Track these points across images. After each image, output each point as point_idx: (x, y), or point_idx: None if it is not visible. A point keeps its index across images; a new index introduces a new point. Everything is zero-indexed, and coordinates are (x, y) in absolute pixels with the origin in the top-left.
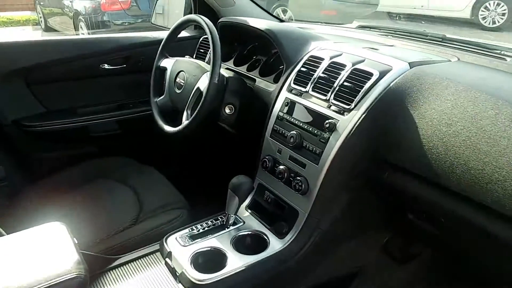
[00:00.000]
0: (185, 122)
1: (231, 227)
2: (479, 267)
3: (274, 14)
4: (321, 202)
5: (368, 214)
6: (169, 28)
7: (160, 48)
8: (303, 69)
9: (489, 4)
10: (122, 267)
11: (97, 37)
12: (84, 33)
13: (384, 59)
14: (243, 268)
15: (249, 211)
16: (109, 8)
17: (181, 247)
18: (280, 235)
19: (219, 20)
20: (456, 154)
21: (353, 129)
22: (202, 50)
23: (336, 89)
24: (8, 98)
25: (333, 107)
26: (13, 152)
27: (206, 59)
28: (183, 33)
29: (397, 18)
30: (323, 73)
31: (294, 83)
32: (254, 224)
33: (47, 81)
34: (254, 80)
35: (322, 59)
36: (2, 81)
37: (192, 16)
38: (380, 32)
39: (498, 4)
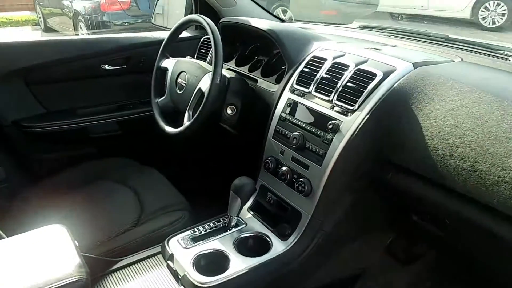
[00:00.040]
0: (186, 123)
1: (233, 229)
2: (484, 269)
3: (274, 14)
4: (324, 203)
5: (372, 215)
6: (170, 29)
7: (161, 49)
8: (305, 69)
9: (489, 4)
10: (123, 270)
11: (98, 37)
12: (83, 33)
13: (388, 60)
14: (246, 270)
15: (251, 212)
16: (109, 8)
17: (183, 249)
18: (283, 237)
19: (221, 20)
20: (462, 156)
21: (357, 130)
22: (203, 51)
23: (340, 89)
24: (7, 98)
25: (336, 108)
26: (13, 153)
27: (207, 59)
28: (184, 33)
29: (399, 18)
30: (326, 73)
31: (296, 84)
32: (257, 226)
33: (47, 81)
34: (256, 81)
35: (325, 59)
36: (1, 82)
37: (194, 16)
38: (382, 32)
39: (498, 4)
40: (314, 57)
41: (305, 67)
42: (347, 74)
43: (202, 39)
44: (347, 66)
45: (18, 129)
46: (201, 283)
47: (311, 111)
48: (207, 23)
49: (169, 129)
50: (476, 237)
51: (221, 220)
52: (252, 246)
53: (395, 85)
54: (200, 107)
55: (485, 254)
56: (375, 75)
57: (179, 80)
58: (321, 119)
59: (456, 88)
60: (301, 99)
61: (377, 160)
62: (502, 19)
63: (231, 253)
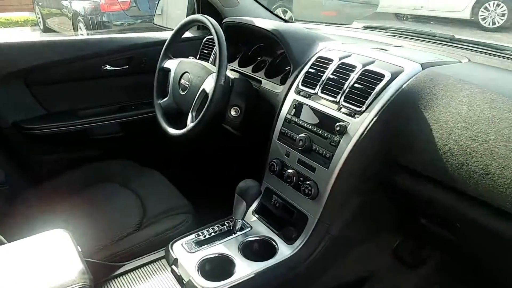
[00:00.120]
0: (190, 124)
1: (238, 233)
2: (492, 272)
3: (276, 14)
4: (331, 206)
5: (380, 218)
6: (171, 29)
7: (163, 49)
8: (311, 70)
9: (489, 4)
10: (126, 275)
11: (99, 37)
12: (83, 34)
13: (395, 60)
14: (252, 275)
15: (256, 215)
16: (109, 9)
17: (187, 253)
18: (289, 240)
19: (224, 20)
20: (474, 158)
21: (365, 132)
22: (206, 51)
23: (346, 91)
24: (7, 100)
25: (343, 109)
26: (13, 155)
27: (210, 60)
28: (186, 34)
29: (404, 18)
30: (332, 74)
31: (302, 85)
32: (262, 229)
33: (47, 82)
34: (260, 82)
35: (331, 60)
36: (1, 83)
37: (197, 16)
38: (386, 32)
39: (498, 5)
40: (320, 57)
41: (310, 67)
42: (354, 75)
43: (205, 39)
44: (354, 66)
45: (18, 130)
46: None
47: (317, 112)
48: (211, 23)
49: (172, 130)
50: (488, 241)
51: (225, 223)
52: (257, 250)
53: (403, 86)
54: (204, 109)
55: (496, 257)
56: (383, 76)
57: (182, 81)
58: (327, 121)
59: (466, 89)
60: (307, 100)
61: (385, 162)
62: (502, 19)
63: (236, 257)
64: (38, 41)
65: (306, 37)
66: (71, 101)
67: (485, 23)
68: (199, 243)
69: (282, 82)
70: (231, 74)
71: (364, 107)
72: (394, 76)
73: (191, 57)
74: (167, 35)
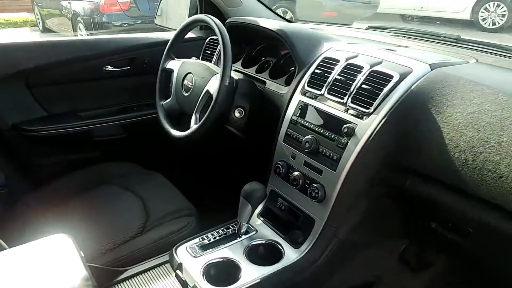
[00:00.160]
0: (194, 126)
1: (243, 236)
2: (503, 276)
3: (279, 14)
4: (338, 210)
5: (388, 221)
6: (172, 29)
7: (166, 49)
8: (317, 71)
9: (489, 5)
10: (130, 280)
11: (100, 38)
12: (82, 35)
13: (403, 61)
14: (258, 280)
15: (261, 219)
16: (108, 9)
17: (192, 258)
18: (295, 244)
19: (227, 20)
20: (486, 161)
21: (373, 134)
22: (209, 52)
23: (354, 92)
24: (7, 101)
25: (351, 111)
26: (13, 157)
27: (213, 60)
28: (188, 34)
29: (409, 18)
30: (339, 75)
31: (308, 86)
32: (267, 232)
33: (48, 83)
34: (264, 83)
35: (338, 60)
36: (1, 84)
37: (201, 16)
38: (392, 33)
39: (498, 5)
40: (326, 58)
41: (316, 68)
42: (362, 76)
43: (208, 39)
44: (361, 67)
45: (18, 132)
46: None
47: (324, 114)
48: (215, 23)
49: (175, 132)
50: (500, 245)
51: (230, 226)
52: (263, 254)
53: (412, 87)
54: (208, 110)
55: (508, 262)
56: (391, 76)
57: (185, 82)
58: (334, 123)
59: (477, 90)
60: (313, 102)
61: (394, 165)
62: (502, 20)
63: (242, 261)
64: (39, 42)
65: (311, 37)
66: (72, 102)
67: (485, 23)
68: (204, 247)
69: (287, 83)
70: (235, 75)
71: (372, 109)
72: (402, 77)
73: (194, 58)
74: (169, 36)
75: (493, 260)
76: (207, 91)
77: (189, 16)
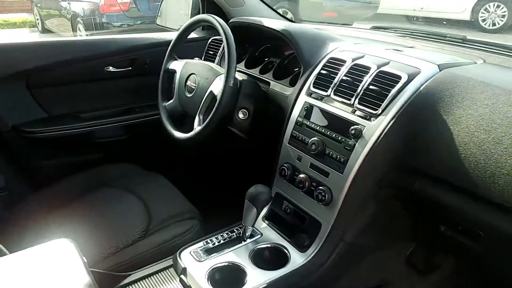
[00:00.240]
0: (197, 128)
1: (249, 240)
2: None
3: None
4: (346, 213)
5: (396, 224)
6: (175, 29)
7: (168, 50)
8: (323, 71)
9: (489, 6)
10: (133, 285)
11: (101, 38)
12: (82, 35)
13: (411, 61)
14: (265, 285)
15: (266, 222)
16: (108, 10)
17: (196, 262)
18: (301, 248)
19: (230, 20)
20: (498, 163)
21: (382, 136)
22: (211, 52)
23: (361, 93)
24: (7, 102)
25: (358, 112)
26: (13, 159)
27: (216, 61)
28: (191, 34)
29: (414, 19)
30: (345, 76)
31: (313, 87)
32: (273, 236)
33: (49, 84)
34: (268, 84)
35: (344, 61)
36: (1, 84)
37: (204, 16)
38: (396, 33)
39: (498, 6)
40: (331, 58)
41: (322, 69)
42: (369, 77)
43: (210, 40)
44: (368, 68)
45: (18, 134)
46: None
47: (330, 115)
48: (219, 23)
49: (178, 134)
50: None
51: (234, 230)
52: (269, 258)
53: (421, 88)
54: (213, 111)
55: None
56: (399, 77)
57: (188, 82)
58: (341, 124)
59: (488, 91)
60: (319, 103)
61: (403, 167)
62: (502, 20)
63: (247, 266)
64: (39, 42)
65: (316, 38)
66: (73, 103)
67: (485, 24)
68: (208, 251)
69: (292, 84)
70: (239, 76)
71: (380, 110)
72: (410, 77)
73: (197, 58)
74: (170, 36)
75: (504, 264)
76: (211, 92)
77: (191, 16)
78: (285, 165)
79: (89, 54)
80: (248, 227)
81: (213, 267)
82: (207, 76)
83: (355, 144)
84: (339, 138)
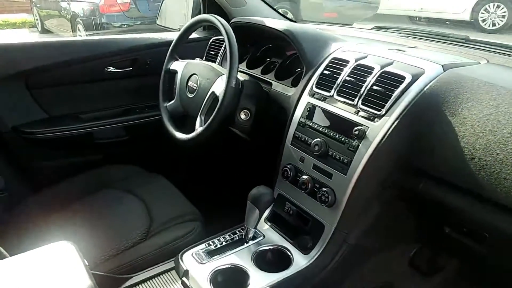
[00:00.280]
0: (199, 128)
1: (251, 242)
2: None
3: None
4: (349, 214)
5: (400, 225)
6: (175, 29)
7: (170, 50)
8: (326, 72)
9: (489, 6)
10: None
11: (102, 38)
12: (81, 35)
13: (414, 61)
14: (268, 287)
15: (269, 223)
16: (108, 10)
17: (198, 264)
18: (305, 250)
19: (232, 20)
20: (504, 165)
21: (386, 137)
22: (213, 52)
23: (364, 93)
24: (7, 103)
25: (361, 113)
26: (13, 160)
27: (217, 61)
28: (191, 35)
29: (417, 19)
30: (348, 76)
31: (316, 87)
32: (275, 238)
33: (49, 85)
34: (270, 84)
35: (347, 61)
36: (1, 85)
37: (206, 16)
38: (399, 33)
39: (498, 6)
40: (334, 58)
41: (325, 69)
42: (372, 77)
43: (211, 40)
44: (372, 68)
45: (18, 135)
46: None
47: (334, 116)
48: (221, 23)
49: (179, 135)
50: None
51: (237, 232)
52: (271, 260)
53: (425, 89)
54: (215, 112)
55: None
56: (403, 78)
57: (190, 83)
58: (344, 125)
59: (493, 91)
60: (322, 104)
61: (407, 168)
62: (502, 21)
63: (250, 268)
64: (40, 42)
65: (319, 38)
66: (73, 104)
67: (485, 24)
68: (210, 253)
69: (294, 84)
70: (241, 76)
71: (384, 111)
72: (414, 78)
73: (198, 59)
74: (171, 36)
75: (509, 266)
76: (213, 92)
77: (192, 16)
78: (288, 166)
79: (89, 54)
80: (250, 228)
81: (216, 269)
82: (208, 77)
83: (358, 145)
84: (343, 139)
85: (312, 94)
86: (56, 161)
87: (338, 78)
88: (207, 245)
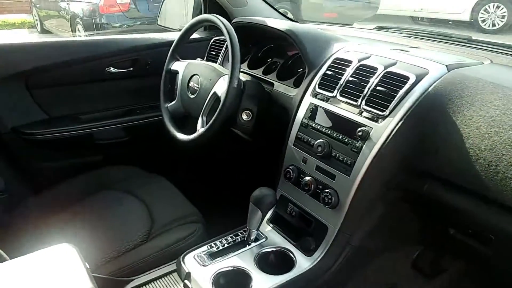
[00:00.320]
0: (200, 129)
1: (253, 244)
2: None
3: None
4: (352, 216)
5: (404, 226)
6: (176, 29)
7: (171, 50)
8: (328, 72)
9: (489, 6)
10: None
11: (102, 38)
12: (81, 36)
13: (418, 62)
14: None
15: (271, 225)
16: (108, 11)
17: (200, 266)
18: (307, 252)
19: (233, 21)
20: (510, 166)
21: (389, 137)
22: (214, 53)
23: (368, 94)
24: (7, 103)
25: (365, 114)
26: (13, 161)
27: (218, 61)
28: (193, 35)
29: (419, 19)
30: (351, 76)
31: (319, 87)
32: (278, 239)
33: (49, 85)
34: (272, 84)
35: (350, 61)
36: (1, 85)
37: (207, 16)
38: (401, 33)
39: (498, 7)
40: (337, 59)
41: (327, 69)
42: (376, 77)
43: (212, 40)
44: (375, 68)
45: (18, 136)
46: None
47: (337, 117)
48: (223, 23)
49: (181, 136)
50: None
51: (239, 233)
52: (274, 262)
53: (429, 89)
54: (216, 113)
55: None
56: (407, 78)
57: (191, 83)
58: (348, 126)
59: (498, 92)
60: (325, 104)
61: (411, 169)
62: (502, 21)
63: (252, 270)
64: (40, 42)
65: (321, 38)
66: (73, 104)
67: (485, 25)
68: (212, 255)
69: (296, 84)
70: (242, 77)
71: (387, 111)
72: (418, 78)
73: (199, 59)
74: (172, 36)
75: None
76: (215, 93)
77: (193, 16)
78: (290, 167)
79: (89, 54)
80: (252, 230)
81: (218, 271)
82: (210, 77)
83: (362, 146)
84: (346, 140)
85: (315, 95)
86: (56, 162)
87: (341, 78)
88: (209, 247)
